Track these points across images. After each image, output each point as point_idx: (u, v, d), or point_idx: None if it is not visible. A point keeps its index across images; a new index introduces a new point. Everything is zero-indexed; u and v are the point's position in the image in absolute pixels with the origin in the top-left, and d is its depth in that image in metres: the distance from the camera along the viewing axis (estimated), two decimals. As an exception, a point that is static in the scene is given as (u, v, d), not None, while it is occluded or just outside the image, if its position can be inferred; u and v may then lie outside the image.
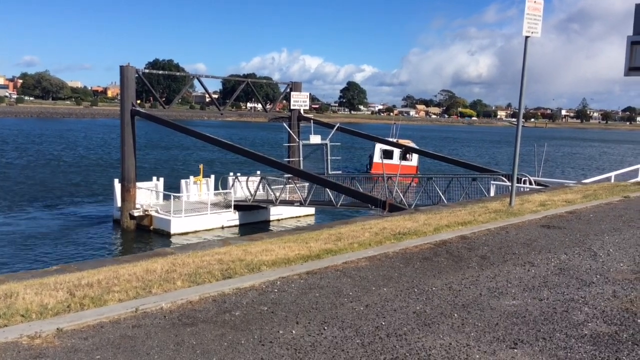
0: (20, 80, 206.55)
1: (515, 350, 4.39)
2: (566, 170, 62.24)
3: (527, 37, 10.83)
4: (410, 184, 27.86)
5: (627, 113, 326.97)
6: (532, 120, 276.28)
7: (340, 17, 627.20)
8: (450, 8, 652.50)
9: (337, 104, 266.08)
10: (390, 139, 48.29)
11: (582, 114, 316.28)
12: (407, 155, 44.78)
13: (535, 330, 4.80)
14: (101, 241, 25.93)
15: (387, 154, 41.43)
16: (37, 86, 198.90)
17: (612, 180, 19.27)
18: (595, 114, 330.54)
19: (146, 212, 27.52)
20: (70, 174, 46.01)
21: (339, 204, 25.55)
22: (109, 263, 7.15)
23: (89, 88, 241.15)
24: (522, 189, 18.45)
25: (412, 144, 47.53)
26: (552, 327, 4.86)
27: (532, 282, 6.17)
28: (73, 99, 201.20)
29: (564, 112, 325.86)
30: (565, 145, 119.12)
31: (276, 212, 30.63)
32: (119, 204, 28.30)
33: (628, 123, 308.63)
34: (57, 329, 4.54)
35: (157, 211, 27.57)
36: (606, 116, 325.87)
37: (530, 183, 20.68)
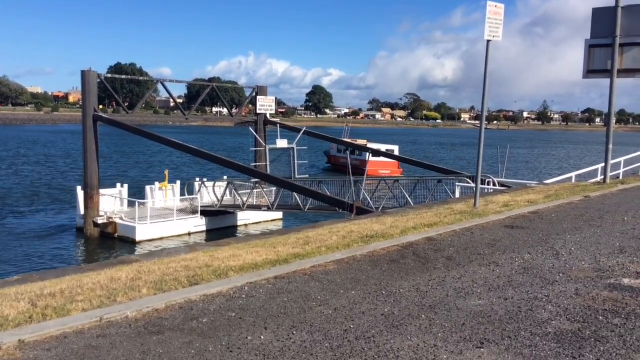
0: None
1: (482, 349, 4.45)
2: (544, 170, 63.45)
3: (488, 41, 11.02)
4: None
5: (586, 114, 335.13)
6: (495, 122, 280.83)
7: (307, 20, 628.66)
8: (417, 12, 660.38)
9: (303, 108, 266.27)
10: (346, 139, 49.11)
11: (543, 116, 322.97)
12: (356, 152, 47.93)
13: (500, 329, 4.87)
14: (64, 250, 25.38)
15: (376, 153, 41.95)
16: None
17: (573, 180, 19.72)
18: (556, 116, 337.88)
19: (110, 219, 27.05)
20: (30, 181, 44.93)
21: (307, 208, 25.56)
22: (72, 272, 7.00)
23: (50, 93, 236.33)
24: (485, 190, 18.75)
25: (367, 144, 48.84)
26: (517, 326, 4.94)
27: (497, 282, 6.26)
28: (33, 105, 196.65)
29: (525, 114, 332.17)
30: (536, 146, 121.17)
31: (243, 217, 30.45)
32: (81, 211, 27.76)
33: (587, 124, 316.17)
34: (19, 340, 4.43)
35: (121, 218, 27.13)
36: (566, 118, 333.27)
37: (494, 184, 21.03)
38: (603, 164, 16.77)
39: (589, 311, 5.33)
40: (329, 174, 51.74)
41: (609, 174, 16.31)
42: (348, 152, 44.62)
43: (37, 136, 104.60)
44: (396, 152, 48.48)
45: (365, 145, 47.67)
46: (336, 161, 59.79)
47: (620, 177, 20.04)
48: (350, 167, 26.82)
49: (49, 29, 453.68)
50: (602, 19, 14.97)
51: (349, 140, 49.23)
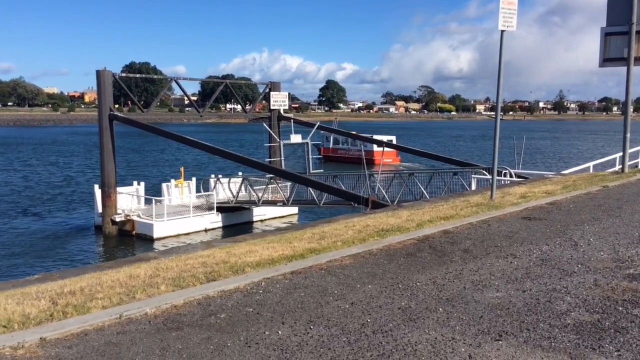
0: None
1: (500, 342, 4.43)
2: (562, 160, 62.89)
3: (502, 31, 10.92)
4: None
5: (603, 103, 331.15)
6: (511, 113, 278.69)
7: (321, 15, 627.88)
8: (431, 3, 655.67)
9: (316, 103, 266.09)
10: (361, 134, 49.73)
11: (559, 106, 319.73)
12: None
13: (519, 321, 4.85)
14: (83, 248, 25.65)
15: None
16: (13, 93, 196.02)
17: (591, 171, 19.52)
18: (573, 105, 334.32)
19: (128, 217, 27.26)
20: (48, 180, 45.42)
21: (322, 203, 25.55)
22: (92, 270, 7.08)
23: (66, 94, 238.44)
24: (502, 181, 18.62)
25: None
26: (535, 318, 4.91)
27: (514, 274, 6.23)
28: (50, 105, 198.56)
29: (541, 105, 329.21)
30: (555, 137, 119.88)
31: (259, 213, 30.54)
32: (99, 209, 28.01)
33: (604, 113, 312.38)
34: (41, 338, 4.49)
35: (139, 216, 27.33)
36: (583, 107, 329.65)
37: (511, 176, 20.87)
38: (621, 153, 16.58)
39: (608, 302, 5.28)
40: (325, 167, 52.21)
41: (627, 163, 16.12)
42: (362, 146, 44.55)
43: (53, 137, 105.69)
44: (394, 142, 49.13)
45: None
46: (333, 153, 60.31)
47: (639, 166, 19.80)
48: (362, 159, 26.73)
49: (64, 30, 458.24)
50: (618, 6, 14.78)
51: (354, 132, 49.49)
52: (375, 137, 48.81)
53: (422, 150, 35.53)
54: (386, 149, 45.39)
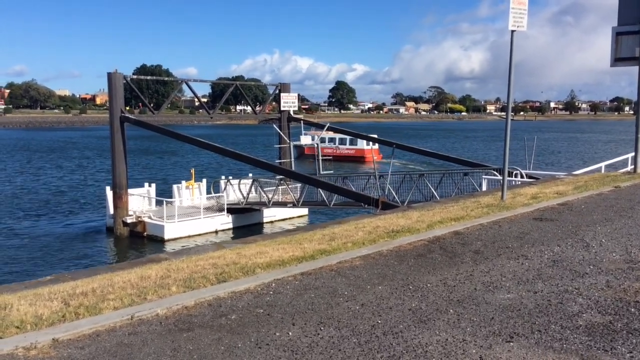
0: (7, 90, 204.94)
1: (512, 343, 4.41)
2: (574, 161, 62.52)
3: (513, 31, 10.88)
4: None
5: (615, 103, 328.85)
6: (522, 113, 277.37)
7: (332, 16, 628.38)
8: (443, 4, 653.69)
9: (326, 104, 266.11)
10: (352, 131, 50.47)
11: (570, 106, 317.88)
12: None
13: (530, 322, 4.83)
14: (95, 249, 25.81)
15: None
16: (25, 96, 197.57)
17: (603, 171, 19.37)
18: (584, 105, 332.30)
19: (139, 219, 27.41)
20: (60, 183, 45.73)
21: (332, 204, 25.56)
22: (103, 271, 7.11)
23: (78, 96, 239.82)
24: (513, 182, 18.52)
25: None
26: (547, 319, 4.89)
27: (526, 275, 6.20)
28: (61, 108, 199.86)
29: (552, 105, 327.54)
30: (566, 138, 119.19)
31: (269, 214, 30.59)
32: (111, 211, 28.17)
33: (616, 113, 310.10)
34: (53, 339, 4.52)
35: (150, 217, 27.47)
36: (594, 107, 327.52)
37: (522, 176, 20.77)
38: (633, 154, 16.45)
39: (620, 303, 5.25)
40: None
41: (640, 163, 15.98)
42: (372, 144, 44.36)
43: (65, 139, 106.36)
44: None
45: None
46: (329, 152, 60.27)
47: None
48: (373, 160, 26.70)
49: (76, 33, 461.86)
50: (629, 6, 14.69)
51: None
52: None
53: (432, 151, 35.44)
54: (372, 146, 45.12)
